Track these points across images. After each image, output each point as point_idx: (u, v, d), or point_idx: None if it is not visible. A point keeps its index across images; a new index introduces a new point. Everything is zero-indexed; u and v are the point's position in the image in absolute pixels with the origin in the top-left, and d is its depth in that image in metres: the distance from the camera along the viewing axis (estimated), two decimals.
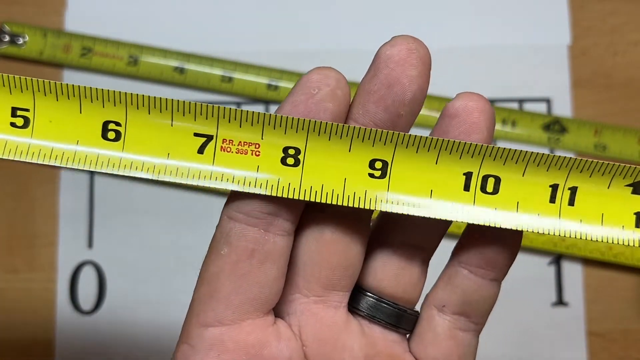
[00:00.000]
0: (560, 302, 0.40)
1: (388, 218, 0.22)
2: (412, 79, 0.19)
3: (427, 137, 0.19)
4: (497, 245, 0.21)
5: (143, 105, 0.19)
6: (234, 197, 0.20)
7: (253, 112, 0.19)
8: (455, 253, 0.22)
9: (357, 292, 0.22)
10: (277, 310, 0.21)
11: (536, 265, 0.41)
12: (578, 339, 0.40)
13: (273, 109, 0.42)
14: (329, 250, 0.21)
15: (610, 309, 0.41)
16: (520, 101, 0.43)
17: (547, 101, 0.43)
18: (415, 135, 0.19)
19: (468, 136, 0.20)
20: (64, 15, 0.43)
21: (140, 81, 0.42)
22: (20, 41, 0.42)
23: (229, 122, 0.19)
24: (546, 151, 0.42)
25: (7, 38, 0.42)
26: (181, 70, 0.42)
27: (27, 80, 0.19)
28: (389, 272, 0.22)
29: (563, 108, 0.42)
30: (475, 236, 0.21)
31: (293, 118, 0.19)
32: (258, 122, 0.19)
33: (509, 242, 0.21)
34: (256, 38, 0.43)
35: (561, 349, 0.40)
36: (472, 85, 0.43)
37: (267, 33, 0.43)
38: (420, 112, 0.44)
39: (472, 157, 0.19)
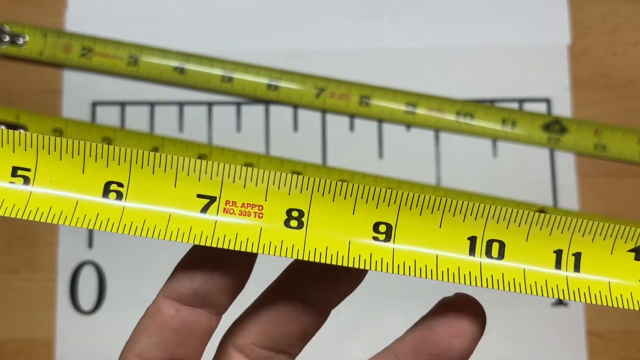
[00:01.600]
0: (560, 302, 0.40)
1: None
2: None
3: (430, 197, 0.19)
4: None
5: (148, 164, 0.19)
6: (131, 342, 0.20)
7: (258, 170, 0.19)
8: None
9: None
10: None
11: None
12: (578, 339, 0.40)
13: (273, 108, 0.42)
14: (280, 322, 0.21)
15: (610, 309, 0.41)
16: (520, 101, 0.43)
17: (547, 101, 0.43)
18: (419, 195, 0.19)
19: (449, 339, 0.20)
20: (64, 15, 0.43)
21: (141, 81, 0.42)
22: (21, 41, 0.42)
23: (234, 182, 0.19)
24: (546, 152, 0.42)
25: (7, 38, 0.42)
26: (181, 70, 0.42)
27: (33, 137, 0.19)
28: None
29: (563, 108, 0.42)
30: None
31: (297, 176, 0.19)
32: (262, 182, 0.19)
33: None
34: (256, 38, 0.43)
35: (561, 349, 0.40)
36: (472, 85, 0.43)
37: (267, 33, 0.43)
38: (421, 113, 0.44)
39: (475, 219, 0.19)
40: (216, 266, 0.19)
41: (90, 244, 0.41)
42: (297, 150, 0.41)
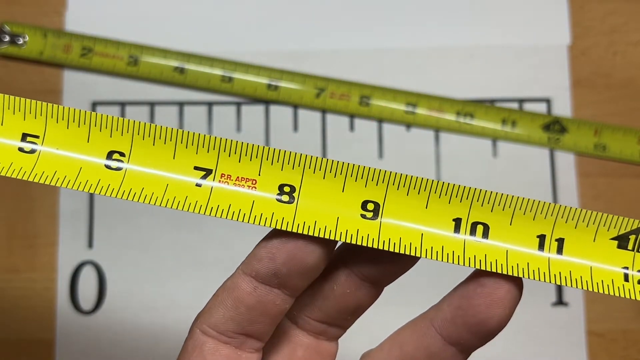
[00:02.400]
0: (560, 302, 0.41)
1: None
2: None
3: (417, 178, 0.20)
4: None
5: (149, 136, 0.20)
6: (207, 312, 0.21)
7: (252, 145, 0.20)
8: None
9: None
10: None
11: None
12: (578, 339, 0.40)
13: (273, 109, 0.42)
14: None
15: (610, 309, 0.41)
16: (520, 101, 0.43)
17: (547, 101, 0.43)
18: (407, 175, 0.20)
19: (488, 309, 0.20)
20: (64, 15, 0.43)
21: (141, 81, 0.42)
22: (21, 41, 0.42)
23: (229, 155, 0.20)
24: (546, 152, 0.42)
25: (7, 38, 0.42)
26: (181, 70, 0.42)
27: (42, 106, 0.20)
28: None
29: (563, 108, 0.42)
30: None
31: (290, 152, 0.20)
32: (257, 157, 0.20)
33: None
34: (256, 38, 0.43)
35: (561, 349, 0.40)
36: (472, 85, 0.43)
37: (267, 33, 0.43)
38: (420, 112, 0.44)
39: (460, 201, 0.20)
40: (298, 249, 0.20)
41: (90, 244, 0.41)
42: (297, 150, 0.41)
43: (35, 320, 0.40)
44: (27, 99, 0.20)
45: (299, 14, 0.44)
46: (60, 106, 0.20)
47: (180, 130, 0.20)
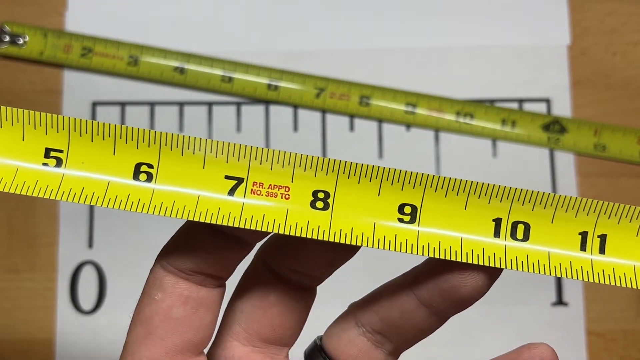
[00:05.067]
0: (560, 302, 0.41)
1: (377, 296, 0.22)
2: None
3: (455, 179, 0.19)
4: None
5: (177, 146, 0.19)
6: (168, 250, 0.21)
7: (285, 152, 0.19)
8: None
9: (317, 351, 0.22)
10: (215, 354, 0.22)
11: None
12: (578, 339, 0.40)
13: (273, 109, 0.42)
14: (272, 312, 0.21)
15: (610, 309, 0.41)
16: (520, 101, 0.43)
17: (547, 101, 0.43)
18: (444, 177, 0.19)
19: (461, 277, 0.20)
20: (65, 15, 0.43)
21: (141, 81, 0.42)
22: (21, 41, 0.42)
23: (260, 163, 0.19)
24: (546, 152, 0.42)
25: (7, 38, 0.42)
26: (181, 70, 0.42)
27: (64, 120, 0.19)
28: (351, 351, 0.22)
29: (563, 108, 0.42)
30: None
31: (323, 159, 0.19)
32: (289, 164, 0.19)
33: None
34: (256, 38, 0.43)
35: (561, 349, 0.40)
36: (472, 85, 0.43)
37: (267, 33, 0.43)
38: (420, 112, 0.44)
39: (500, 201, 0.19)
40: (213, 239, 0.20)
41: (90, 244, 0.41)
42: (297, 150, 0.41)
43: (35, 320, 0.40)
44: (48, 113, 0.19)
45: (299, 14, 0.44)
46: (82, 119, 0.19)
47: (209, 140, 0.19)
